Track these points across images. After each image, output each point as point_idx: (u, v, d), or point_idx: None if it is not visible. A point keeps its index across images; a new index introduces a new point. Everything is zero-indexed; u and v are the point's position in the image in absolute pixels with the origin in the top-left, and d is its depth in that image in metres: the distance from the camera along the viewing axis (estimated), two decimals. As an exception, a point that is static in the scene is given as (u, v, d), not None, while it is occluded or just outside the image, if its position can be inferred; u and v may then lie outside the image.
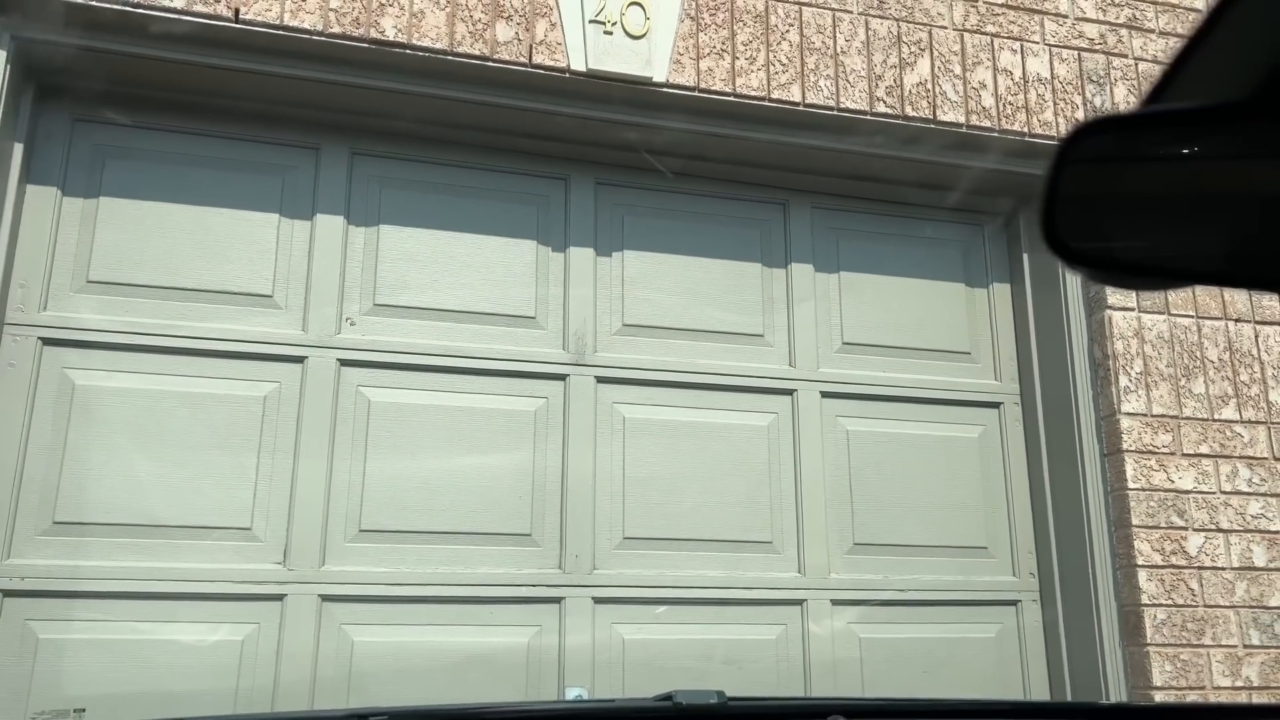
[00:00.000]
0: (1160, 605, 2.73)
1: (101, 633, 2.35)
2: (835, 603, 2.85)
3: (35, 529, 2.38)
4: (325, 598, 2.51)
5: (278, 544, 2.52)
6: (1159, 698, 2.64)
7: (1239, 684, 2.71)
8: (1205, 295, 3.02)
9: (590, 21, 2.71)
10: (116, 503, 2.43)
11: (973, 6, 3.04)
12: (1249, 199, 0.49)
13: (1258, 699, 2.68)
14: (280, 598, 2.48)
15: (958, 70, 2.99)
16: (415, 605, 2.56)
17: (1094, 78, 3.08)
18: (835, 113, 2.87)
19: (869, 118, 2.89)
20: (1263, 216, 0.49)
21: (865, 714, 1.13)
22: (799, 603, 2.83)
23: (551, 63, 2.67)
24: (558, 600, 2.66)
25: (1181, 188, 0.49)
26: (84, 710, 2.22)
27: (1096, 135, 0.48)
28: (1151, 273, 0.49)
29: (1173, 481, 2.83)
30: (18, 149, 2.48)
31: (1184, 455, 2.87)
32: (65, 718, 2.14)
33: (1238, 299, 3.03)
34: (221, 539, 2.48)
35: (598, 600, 2.69)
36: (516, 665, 2.59)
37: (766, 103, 2.82)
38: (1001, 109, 3.00)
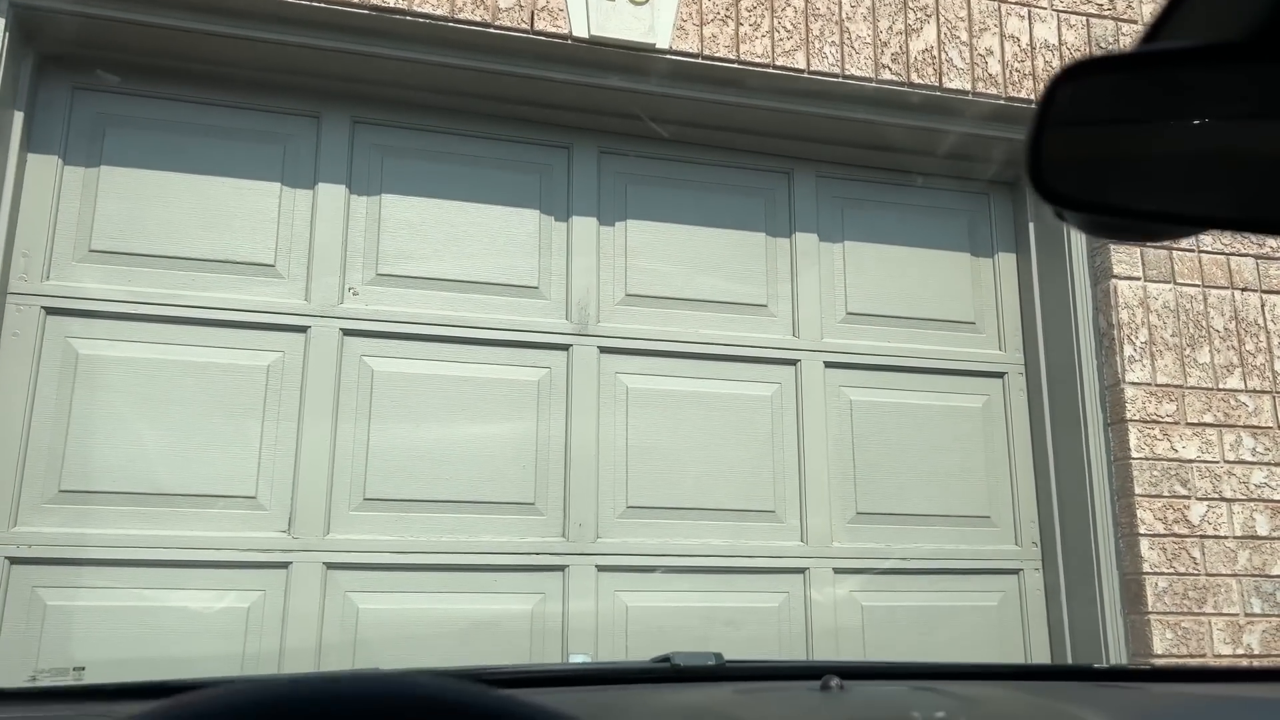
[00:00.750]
0: (1162, 574, 2.73)
1: (108, 599, 2.37)
2: (838, 571, 2.86)
3: (41, 497, 2.39)
4: (330, 565, 2.53)
5: (282, 512, 2.53)
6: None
7: (1240, 652, 2.72)
8: (1212, 265, 3.00)
9: (592, -13, 2.68)
10: (122, 471, 2.44)
11: (979, -28, 3.00)
12: (1243, 141, 0.48)
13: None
14: (285, 565, 2.50)
15: (964, 36, 2.96)
16: (420, 573, 2.58)
17: (1103, 44, 3.04)
18: (840, 80, 2.85)
19: (874, 85, 2.87)
20: (1258, 158, 0.48)
21: (861, 675, 1.14)
22: (801, 571, 2.84)
23: (553, 29, 2.64)
24: (561, 568, 2.68)
25: (1173, 130, 0.48)
26: (84, 669, 2.25)
27: (1086, 76, 0.48)
28: (1142, 216, 0.48)
29: (1176, 451, 2.83)
30: (18, 117, 2.48)
31: (1188, 424, 2.86)
32: (65, 675, 2.17)
33: (1244, 268, 3.02)
34: (227, 507, 2.50)
35: (601, 568, 2.70)
36: (520, 632, 2.61)
37: (771, 70, 2.80)
38: (1008, 76, 2.97)
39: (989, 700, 0.95)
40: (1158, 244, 2.80)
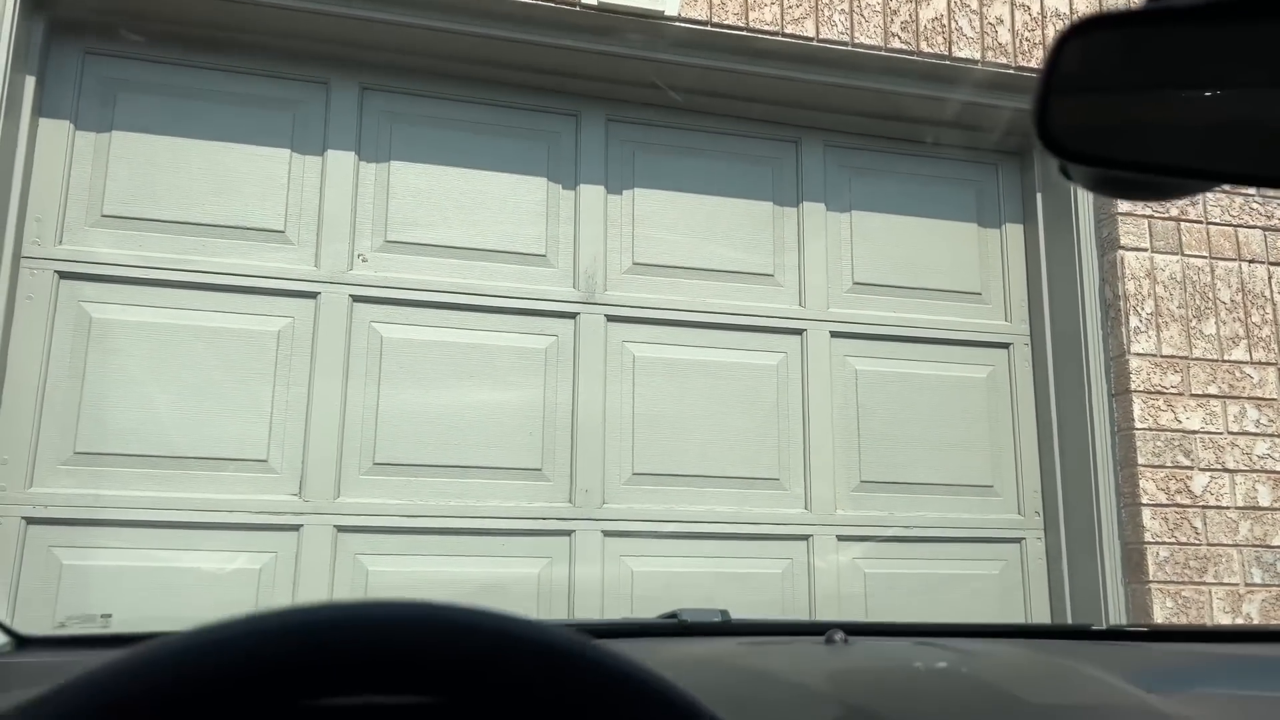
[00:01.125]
0: (1163, 543, 2.76)
1: (123, 559, 2.41)
2: (841, 538, 2.89)
3: (57, 459, 2.42)
4: (340, 528, 2.56)
5: (293, 476, 2.56)
6: (1159, 633, 2.68)
7: (1239, 621, 2.74)
8: (1219, 236, 3.00)
9: (602, -46, 2.68)
10: (135, 434, 2.47)
11: (991, -61, 2.98)
12: (1253, 96, 0.49)
13: (1257, 635, 2.71)
14: (296, 528, 2.54)
15: (974, 5, 2.95)
16: (428, 536, 2.61)
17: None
18: (849, 48, 2.84)
19: (883, 54, 2.86)
20: (1268, 113, 0.49)
21: (865, 632, 1.16)
22: (805, 538, 2.87)
23: (562, -4, 2.64)
24: (568, 533, 2.71)
25: (1182, 85, 0.49)
26: (110, 616, 2.29)
27: (1095, 32, 0.49)
28: (1149, 170, 0.49)
29: (1180, 422, 2.84)
30: (29, 81, 2.49)
31: (1192, 396, 2.87)
32: (92, 623, 2.21)
33: (1252, 240, 3.02)
34: (239, 470, 2.53)
35: (607, 533, 2.73)
36: (528, 595, 2.64)
37: (780, 38, 2.79)
38: (1019, 45, 2.96)
39: (990, 654, 0.97)
40: (1164, 204, 2.79)
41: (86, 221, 2.55)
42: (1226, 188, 2.97)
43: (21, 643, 0.99)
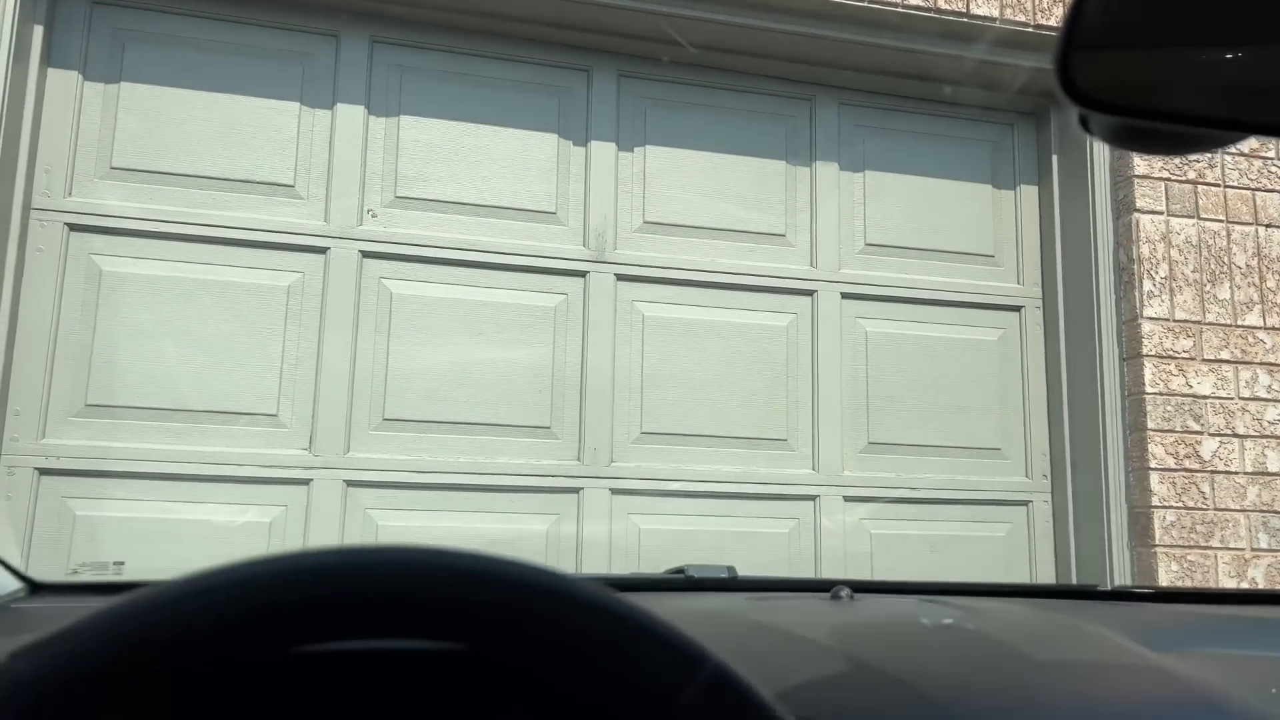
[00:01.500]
0: (1170, 508, 2.76)
1: (134, 511, 2.43)
2: (848, 499, 2.90)
3: (68, 410, 2.44)
4: (350, 483, 2.58)
5: (303, 430, 2.58)
6: (1164, 596, 2.69)
7: (1244, 585, 2.75)
8: (1237, 200, 2.96)
9: (615, -95, 2.63)
10: (146, 387, 2.48)
11: (1013, -107, 2.92)
12: (1271, 48, 0.48)
13: (1262, 600, 2.72)
14: (306, 482, 2.55)
15: (994, -39, 2.89)
16: (438, 492, 2.63)
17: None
18: (865, 5, 2.80)
19: (900, 10, 2.82)
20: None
21: (871, 590, 1.16)
22: (812, 498, 2.88)
23: (575, -52, 2.60)
24: (576, 490, 2.72)
25: (1205, 34, 0.48)
26: (122, 563, 2.32)
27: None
28: (1169, 119, 0.48)
29: (1191, 386, 2.83)
30: (38, 31, 2.47)
31: (1204, 361, 2.86)
32: (105, 570, 2.24)
33: (1270, 204, 2.98)
34: (249, 424, 2.54)
35: (615, 491, 2.74)
36: (536, 552, 2.66)
37: (795, -7, 2.74)
38: (1037, 3, 2.91)
39: (996, 611, 0.98)
40: (1182, 157, 2.75)
41: (95, 173, 2.54)
42: (1246, 150, 2.93)
43: (35, 589, 1.00)
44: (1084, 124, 0.54)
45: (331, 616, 0.42)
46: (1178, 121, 0.48)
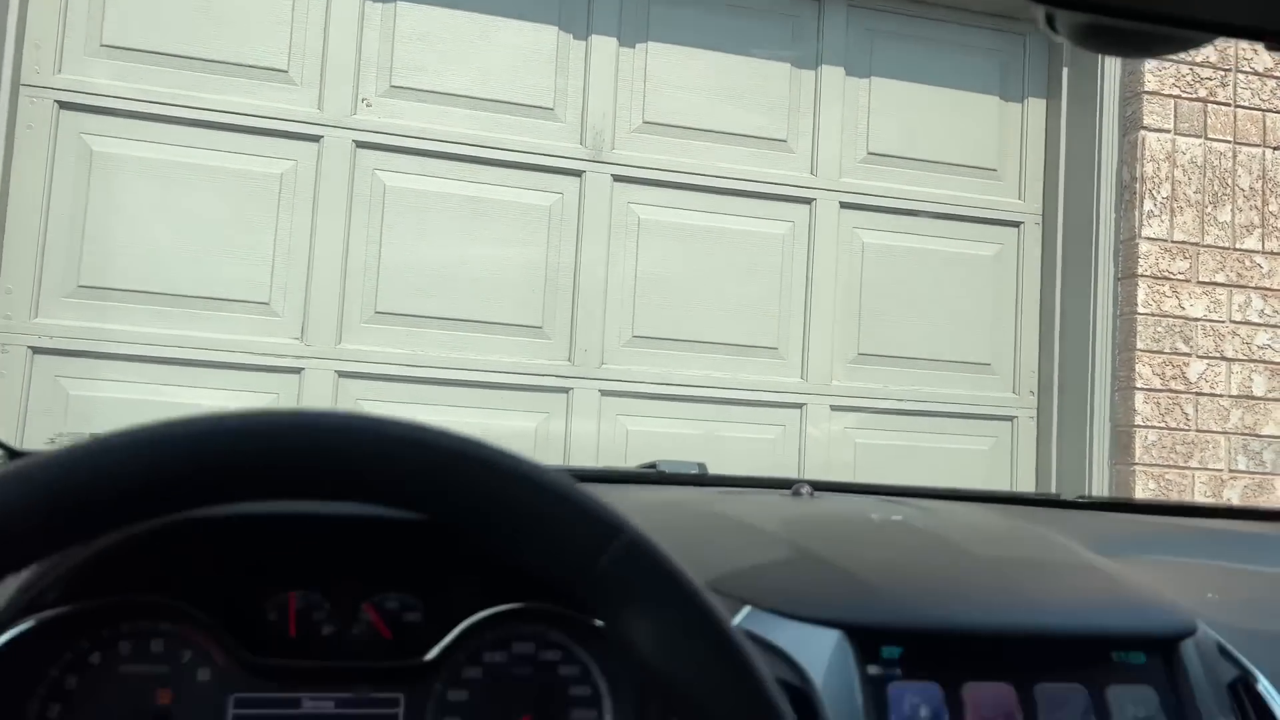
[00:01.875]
0: (1153, 427, 2.79)
1: (127, 393, 2.46)
2: (834, 408, 2.93)
3: (61, 290, 2.45)
4: (342, 374, 2.61)
5: (295, 320, 2.59)
6: (1139, 514, 2.74)
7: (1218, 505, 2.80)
8: (1247, 120, 2.91)
9: None
10: (138, 270, 2.49)
11: None
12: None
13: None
14: (298, 371, 2.58)
15: None
16: (429, 386, 2.66)
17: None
18: (880, -99, 2.70)
19: (915, -92, 2.72)
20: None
21: (835, 490, 1.19)
22: (799, 406, 2.91)
23: None
24: (565, 390, 2.75)
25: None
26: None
27: None
28: (1134, 16, 0.47)
29: (1183, 308, 2.83)
30: (23, -101, 2.40)
31: (1199, 283, 2.85)
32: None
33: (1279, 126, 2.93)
34: (241, 311, 2.56)
35: (604, 393, 2.77)
36: (524, 448, 2.68)
37: (807, -114, 2.65)
38: (1059, -94, 2.80)
39: (949, 512, 1.00)
40: (1148, 59, 2.69)
41: (86, 50, 2.50)
42: (1261, 69, 2.86)
43: (13, 456, 1.03)
44: (1050, 23, 0.53)
45: (255, 476, 0.44)
46: (1146, 20, 0.47)
